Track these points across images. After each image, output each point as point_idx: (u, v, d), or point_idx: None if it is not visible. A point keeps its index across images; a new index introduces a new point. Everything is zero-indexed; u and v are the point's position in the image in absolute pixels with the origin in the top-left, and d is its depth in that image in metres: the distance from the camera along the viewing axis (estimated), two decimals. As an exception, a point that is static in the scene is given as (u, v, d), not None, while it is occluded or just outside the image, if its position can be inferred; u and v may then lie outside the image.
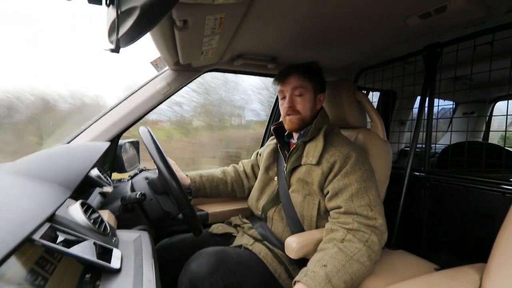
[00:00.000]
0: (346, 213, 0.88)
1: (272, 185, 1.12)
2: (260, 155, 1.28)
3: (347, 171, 0.92)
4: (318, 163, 0.97)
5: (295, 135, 1.11)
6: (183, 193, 0.85)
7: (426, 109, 1.37)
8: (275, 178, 1.12)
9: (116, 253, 0.56)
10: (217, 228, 1.16)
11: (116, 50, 0.59)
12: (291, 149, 1.08)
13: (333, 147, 0.97)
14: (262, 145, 1.73)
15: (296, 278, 0.78)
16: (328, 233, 0.89)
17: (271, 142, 1.24)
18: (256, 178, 1.26)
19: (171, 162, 1.13)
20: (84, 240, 0.52)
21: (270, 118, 1.82)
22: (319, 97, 1.07)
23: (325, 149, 0.98)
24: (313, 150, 1.00)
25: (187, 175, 1.18)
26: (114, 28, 0.52)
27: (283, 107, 1.06)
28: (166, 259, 1.01)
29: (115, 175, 1.38)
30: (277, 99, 1.11)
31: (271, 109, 1.80)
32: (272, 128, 1.16)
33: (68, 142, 1.15)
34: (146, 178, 1.00)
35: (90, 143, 1.07)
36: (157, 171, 1.09)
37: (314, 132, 1.02)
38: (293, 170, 1.04)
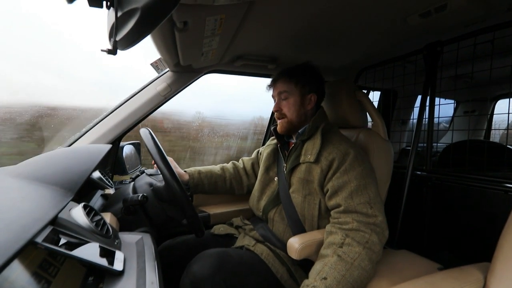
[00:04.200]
0: (345, 212, 0.88)
1: (272, 186, 1.12)
2: (260, 154, 1.28)
3: (346, 168, 0.92)
4: (317, 160, 0.97)
5: (294, 135, 1.11)
6: (189, 203, 0.85)
7: (427, 108, 1.37)
8: (275, 178, 1.12)
9: (119, 255, 0.56)
10: (219, 229, 1.15)
11: (113, 51, 0.59)
12: (290, 148, 1.08)
13: (331, 144, 0.97)
14: (263, 145, 1.73)
15: None
16: (327, 236, 0.88)
17: (271, 142, 1.24)
18: (256, 176, 1.26)
19: (169, 159, 1.14)
20: (86, 242, 0.52)
21: (270, 118, 1.82)
22: (308, 98, 1.07)
23: (323, 146, 0.98)
24: (311, 148, 1.00)
25: (185, 171, 1.18)
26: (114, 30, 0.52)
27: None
28: (169, 260, 1.01)
29: (117, 177, 1.38)
30: None
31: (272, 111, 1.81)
32: (272, 128, 1.16)
33: (69, 145, 1.15)
34: (150, 185, 1.00)
35: (92, 146, 1.07)
36: (159, 176, 1.09)
37: (312, 130, 1.03)
38: (292, 169, 1.04)
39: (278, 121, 1.09)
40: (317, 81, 1.10)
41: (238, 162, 1.34)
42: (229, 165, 1.31)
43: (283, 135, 1.15)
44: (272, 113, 1.80)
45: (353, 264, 0.79)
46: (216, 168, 1.27)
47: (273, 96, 1.12)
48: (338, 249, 0.82)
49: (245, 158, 1.34)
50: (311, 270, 0.82)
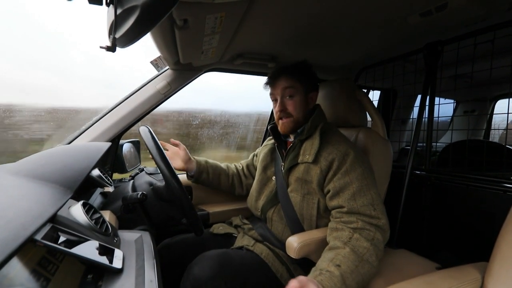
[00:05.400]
0: (349, 213, 0.88)
1: (270, 185, 1.12)
2: (256, 156, 1.30)
3: (346, 169, 0.91)
4: (315, 161, 0.96)
5: (292, 134, 1.10)
6: (189, 202, 0.85)
7: (427, 107, 1.37)
8: (273, 177, 1.11)
9: (118, 254, 0.56)
10: (218, 228, 1.16)
11: (112, 49, 0.59)
12: (288, 148, 1.07)
13: (331, 145, 0.97)
14: (262, 145, 1.74)
15: (309, 276, 0.74)
16: (333, 232, 0.87)
17: (269, 142, 1.24)
18: (252, 176, 1.28)
19: (182, 147, 1.19)
20: (86, 240, 0.52)
21: (270, 118, 1.82)
22: (310, 96, 1.06)
23: (322, 147, 0.97)
24: (309, 148, 0.99)
25: (194, 158, 1.22)
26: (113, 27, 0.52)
27: (275, 110, 1.05)
28: (168, 259, 1.01)
29: (116, 175, 1.38)
30: None
31: (271, 110, 1.80)
32: (269, 127, 1.16)
33: (69, 143, 1.15)
34: (150, 184, 1.00)
35: (91, 144, 1.07)
36: (159, 175, 1.09)
37: (311, 130, 1.02)
38: (290, 169, 1.03)
39: (281, 121, 1.04)
40: (315, 80, 1.09)
41: (238, 164, 1.37)
42: (231, 165, 1.35)
43: (281, 134, 1.14)
44: (272, 113, 1.80)
45: (363, 258, 0.79)
46: (221, 163, 1.31)
47: (272, 94, 1.07)
48: (348, 243, 0.81)
49: (243, 161, 1.37)
50: (321, 258, 0.81)
